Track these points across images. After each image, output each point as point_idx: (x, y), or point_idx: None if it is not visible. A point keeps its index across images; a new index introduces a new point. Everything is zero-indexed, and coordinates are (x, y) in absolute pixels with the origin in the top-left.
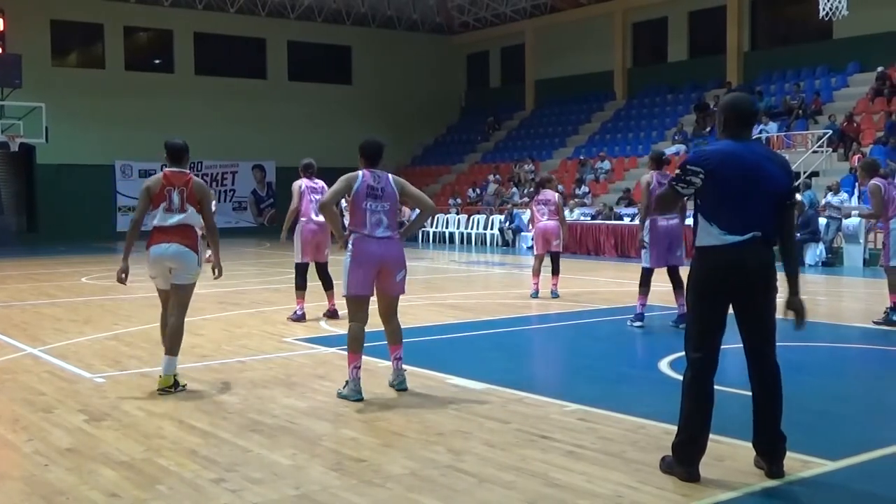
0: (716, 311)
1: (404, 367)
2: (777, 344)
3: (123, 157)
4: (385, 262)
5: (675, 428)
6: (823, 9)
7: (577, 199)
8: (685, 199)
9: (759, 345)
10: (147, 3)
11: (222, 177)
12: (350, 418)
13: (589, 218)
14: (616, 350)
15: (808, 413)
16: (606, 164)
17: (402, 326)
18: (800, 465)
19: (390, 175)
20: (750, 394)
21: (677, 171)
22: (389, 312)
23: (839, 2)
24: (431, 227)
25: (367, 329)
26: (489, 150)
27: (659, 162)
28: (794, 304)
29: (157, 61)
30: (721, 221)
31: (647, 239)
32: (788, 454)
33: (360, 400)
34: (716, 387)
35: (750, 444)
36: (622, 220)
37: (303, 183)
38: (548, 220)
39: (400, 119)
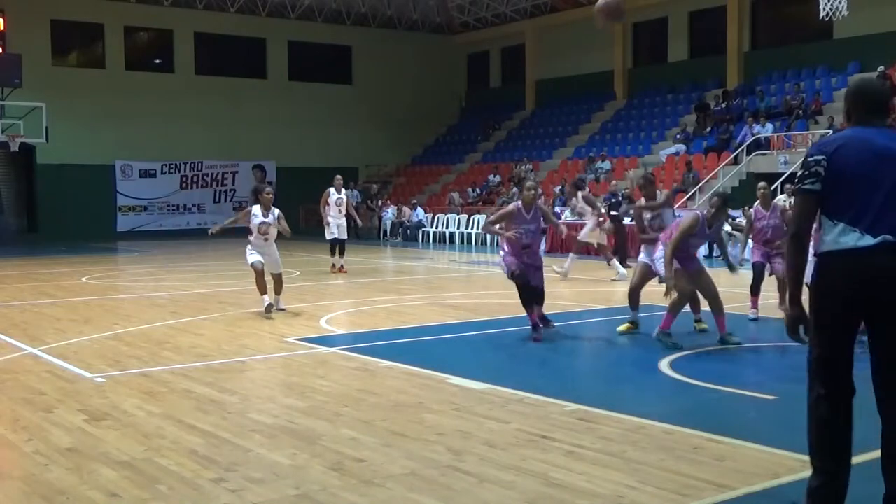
0: (847, 333)
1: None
2: (777, 343)
3: (123, 157)
4: None
5: (674, 428)
6: (823, 9)
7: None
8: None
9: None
10: (147, 3)
11: (222, 177)
12: (350, 418)
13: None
14: (616, 350)
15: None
16: (607, 164)
17: (402, 326)
18: (800, 465)
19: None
20: (755, 395)
21: (801, 172)
22: None
23: (839, 2)
24: (432, 227)
25: (365, 329)
26: (489, 150)
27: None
28: None
29: (157, 61)
30: (847, 217)
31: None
32: (788, 454)
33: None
34: (716, 387)
35: (750, 444)
36: (622, 220)
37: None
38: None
39: (400, 119)
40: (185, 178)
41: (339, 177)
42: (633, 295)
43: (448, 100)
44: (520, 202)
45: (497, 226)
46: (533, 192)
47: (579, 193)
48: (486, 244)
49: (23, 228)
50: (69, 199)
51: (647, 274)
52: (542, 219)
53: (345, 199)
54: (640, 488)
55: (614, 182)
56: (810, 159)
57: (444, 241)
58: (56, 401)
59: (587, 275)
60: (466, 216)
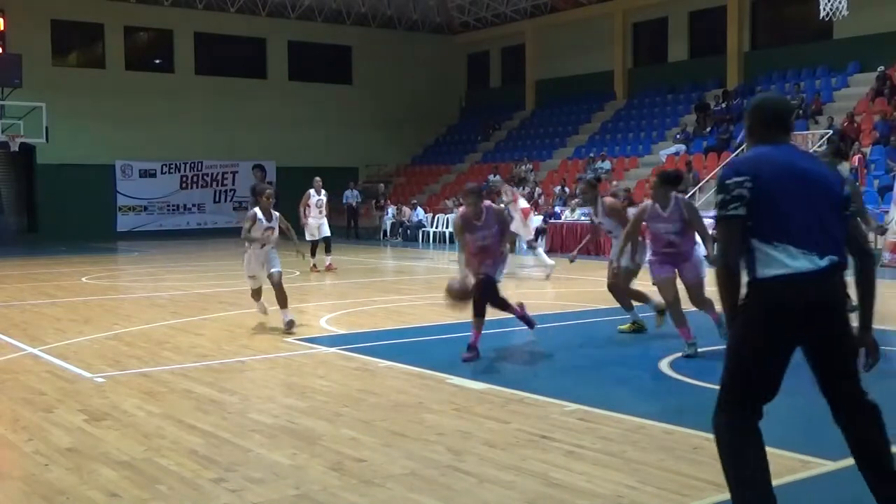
0: (786, 359)
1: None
2: None
3: (123, 157)
4: None
5: (674, 428)
6: (823, 9)
7: (577, 200)
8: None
9: (847, 386)
10: (147, 3)
11: (222, 177)
12: (350, 418)
13: (589, 218)
14: (616, 350)
15: (808, 413)
16: (607, 164)
17: (403, 326)
18: (800, 465)
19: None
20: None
21: (720, 197)
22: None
23: (839, 2)
24: (432, 227)
25: (365, 329)
26: (489, 150)
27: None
28: (867, 340)
29: (157, 61)
30: (790, 239)
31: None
32: (788, 454)
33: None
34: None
35: None
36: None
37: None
38: None
39: (400, 119)
40: (185, 178)
41: (318, 179)
42: (622, 296)
43: (448, 100)
44: (462, 208)
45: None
46: (473, 202)
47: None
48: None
49: (23, 228)
50: (69, 199)
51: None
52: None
53: (324, 200)
54: (640, 488)
55: (614, 183)
56: (730, 182)
57: (444, 241)
58: (56, 401)
59: (587, 275)
60: None
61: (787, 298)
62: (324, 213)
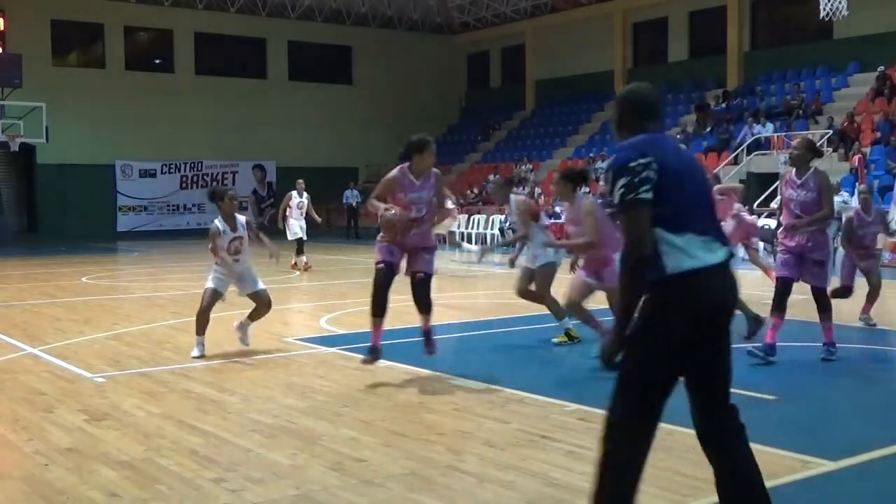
0: (690, 359)
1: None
2: (777, 344)
3: (123, 157)
4: None
5: (674, 428)
6: (823, 9)
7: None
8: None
9: (724, 400)
10: (147, 3)
11: (222, 177)
12: (350, 418)
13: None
14: None
15: (808, 413)
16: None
17: (403, 326)
18: (800, 465)
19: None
20: (755, 395)
21: (624, 180)
22: None
23: (839, 2)
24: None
25: (365, 329)
26: (489, 150)
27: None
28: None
29: (157, 61)
30: (695, 228)
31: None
32: (788, 454)
33: None
34: None
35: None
36: None
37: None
38: None
39: (400, 119)
40: (185, 178)
41: (301, 181)
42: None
43: (448, 100)
44: (406, 165)
45: (376, 200)
46: (431, 156)
47: None
48: (485, 244)
49: (23, 228)
50: (69, 199)
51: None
52: (433, 191)
53: (305, 202)
54: (640, 488)
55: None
56: (635, 164)
57: (444, 241)
58: (56, 401)
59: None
60: (466, 216)
61: (703, 295)
62: (304, 214)
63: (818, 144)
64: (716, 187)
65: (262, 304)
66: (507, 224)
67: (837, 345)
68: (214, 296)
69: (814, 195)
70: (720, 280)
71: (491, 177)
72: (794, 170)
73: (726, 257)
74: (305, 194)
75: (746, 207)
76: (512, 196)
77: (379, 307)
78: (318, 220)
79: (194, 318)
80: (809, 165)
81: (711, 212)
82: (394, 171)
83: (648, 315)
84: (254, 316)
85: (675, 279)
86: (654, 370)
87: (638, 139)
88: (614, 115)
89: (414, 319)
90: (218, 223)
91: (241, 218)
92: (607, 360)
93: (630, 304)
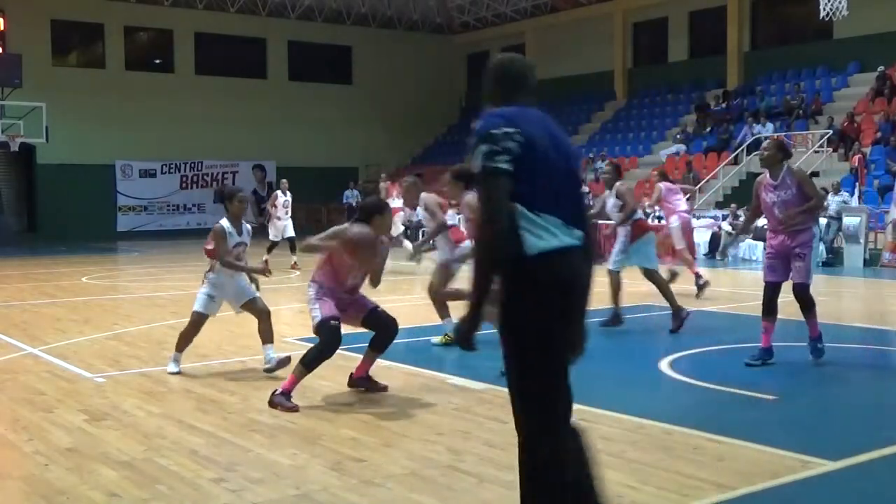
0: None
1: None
2: (778, 344)
3: (123, 157)
4: None
5: (674, 428)
6: (823, 9)
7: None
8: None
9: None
10: (147, 3)
11: (222, 177)
12: (350, 418)
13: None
14: (616, 350)
15: (808, 413)
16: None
17: (404, 326)
18: (800, 465)
19: None
20: (755, 395)
21: (484, 147)
22: None
23: (839, 2)
24: None
25: (365, 329)
26: None
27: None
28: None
29: (157, 61)
30: (554, 209)
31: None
32: (788, 454)
33: None
34: (716, 387)
35: (750, 444)
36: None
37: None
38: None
39: (400, 119)
40: (185, 178)
41: (284, 181)
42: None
43: (448, 100)
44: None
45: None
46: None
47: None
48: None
49: (23, 228)
50: (69, 199)
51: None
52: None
53: (290, 200)
54: (640, 488)
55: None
56: (498, 132)
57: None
58: (56, 401)
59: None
60: None
61: (567, 275)
62: (289, 213)
63: (818, 144)
64: (668, 185)
65: (260, 314)
66: (417, 221)
67: (841, 345)
68: (200, 319)
69: (793, 191)
70: (580, 261)
71: (408, 178)
72: (768, 173)
73: (583, 242)
74: (289, 193)
75: (691, 209)
76: (423, 194)
77: None
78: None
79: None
80: (782, 165)
81: (576, 198)
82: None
83: (515, 304)
84: (265, 336)
85: (534, 259)
86: (552, 361)
87: (507, 109)
88: (485, 85)
89: (413, 320)
90: (225, 224)
91: (248, 225)
92: (462, 338)
93: (485, 280)
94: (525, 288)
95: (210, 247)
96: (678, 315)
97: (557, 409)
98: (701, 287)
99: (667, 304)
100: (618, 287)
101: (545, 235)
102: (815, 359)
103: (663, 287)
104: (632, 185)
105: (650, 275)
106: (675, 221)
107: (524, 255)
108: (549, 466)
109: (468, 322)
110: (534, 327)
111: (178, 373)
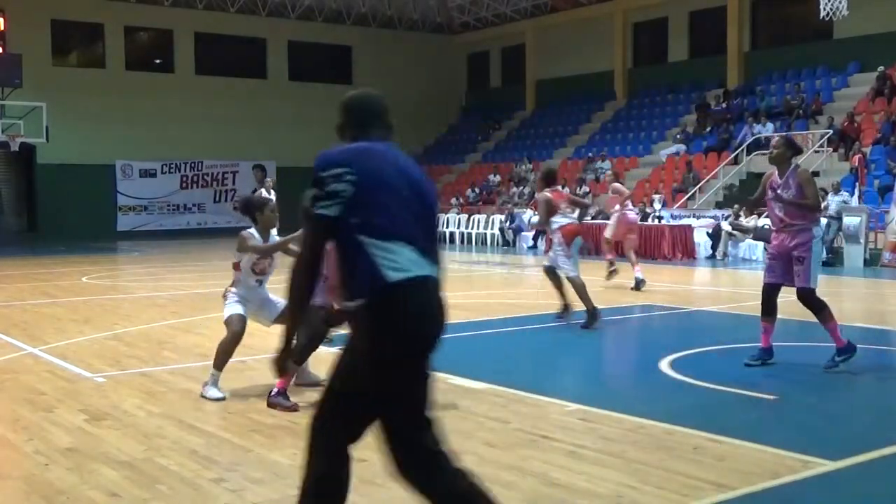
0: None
1: None
2: (778, 344)
3: (123, 157)
4: None
5: (674, 428)
6: (823, 9)
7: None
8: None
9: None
10: (147, 3)
11: (222, 177)
12: None
13: (589, 218)
14: (616, 350)
15: (808, 413)
16: (607, 165)
17: None
18: (800, 465)
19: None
20: (755, 395)
21: (312, 192)
22: None
23: (839, 2)
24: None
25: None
26: (489, 150)
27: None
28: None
29: (157, 61)
30: (404, 237)
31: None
32: (788, 454)
33: None
34: (716, 387)
35: (750, 444)
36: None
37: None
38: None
39: (400, 119)
40: (185, 178)
41: (269, 179)
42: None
43: (448, 100)
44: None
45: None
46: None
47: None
48: (485, 244)
49: (23, 228)
50: (69, 199)
51: None
52: None
53: (273, 199)
54: (640, 488)
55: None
56: (326, 174)
57: (444, 241)
58: (56, 401)
59: (585, 275)
60: (466, 216)
61: (424, 307)
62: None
63: (818, 144)
64: (617, 187)
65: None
66: None
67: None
68: (242, 321)
69: (793, 191)
70: (429, 294)
71: None
72: (776, 171)
73: (436, 275)
74: (273, 192)
75: (635, 208)
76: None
77: None
78: None
79: (216, 348)
80: (790, 163)
81: (428, 230)
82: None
83: (357, 333)
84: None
85: (394, 288)
86: (356, 394)
87: (347, 147)
88: (338, 119)
89: None
90: (254, 233)
91: (277, 237)
92: (277, 371)
93: (295, 314)
94: (367, 317)
95: (238, 260)
96: (566, 311)
97: (339, 436)
98: (610, 273)
99: (664, 304)
100: (583, 288)
101: (400, 265)
102: (825, 366)
103: (559, 287)
104: (549, 196)
105: (550, 272)
106: (614, 218)
107: (386, 283)
108: (316, 470)
109: (281, 355)
110: (361, 352)
111: (223, 398)
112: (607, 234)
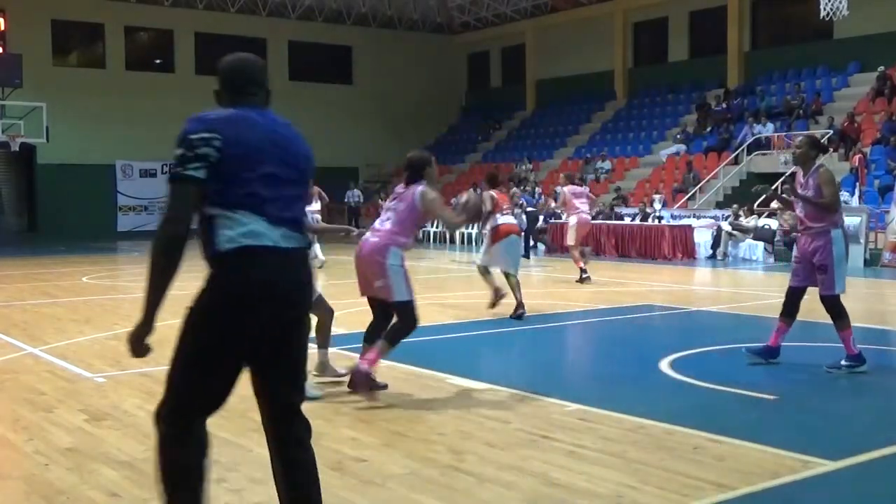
0: (235, 360)
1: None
2: (782, 344)
3: (124, 157)
4: None
5: (674, 428)
6: (824, 9)
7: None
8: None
9: (292, 399)
10: (148, 3)
11: None
12: (350, 418)
13: (589, 217)
14: (616, 350)
15: (808, 413)
16: (607, 164)
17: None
18: (800, 465)
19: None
20: (755, 395)
21: (179, 152)
22: None
23: (839, 2)
24: (433, 226)
25: (364, 329)
26: (489, 150)
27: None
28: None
29: (157, 61)
30: (257, 208)
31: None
32: (788, 454)
33: None
34: (716, 387)
35: (750, 444)
36: (622, 219)
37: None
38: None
39: (400, 119)
40: None
41: None
42: None
43: (448, 100)
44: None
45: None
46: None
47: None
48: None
49: (23, 228)
50: (69, 199)
51: None
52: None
53: None
54: (640, 488)
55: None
56: (195, 137)
57: (445, 241)
58: (56, 401)
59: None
60: None
61: (257, 276)
62: None
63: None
64: (573, 188)
65: (324, 313)
66: None
67: (841, 345)
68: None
69: (811, 192)
70: (286, 265)
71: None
72: (800, 171)
73: (298, 245)
74: None
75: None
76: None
77: None
78: None
79: None
80: (814, 163)
81: (296, 199)
82: None
83: (200, 294)
84: (324, 341)
85: (224, 256)
86: (203, 358)
87: (217, 112)
88: (217, 86)
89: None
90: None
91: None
92: (132, 348)
93: (157, 285)
94: (214, 283)
95: None
96: (498, 298)
97: (192, 402)
98: (583, 280)
99: (665, 304)
100: (517, 286)
101: (240, 235)
102: (827, 367)
103: (514, 288)
104: (493, 194)
105: (506, 276)
106: (572, 220)
107: (217, 252)
108: (165, 444)
109: (138, 328)
110: (205, 316)
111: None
112: (570, 241)
